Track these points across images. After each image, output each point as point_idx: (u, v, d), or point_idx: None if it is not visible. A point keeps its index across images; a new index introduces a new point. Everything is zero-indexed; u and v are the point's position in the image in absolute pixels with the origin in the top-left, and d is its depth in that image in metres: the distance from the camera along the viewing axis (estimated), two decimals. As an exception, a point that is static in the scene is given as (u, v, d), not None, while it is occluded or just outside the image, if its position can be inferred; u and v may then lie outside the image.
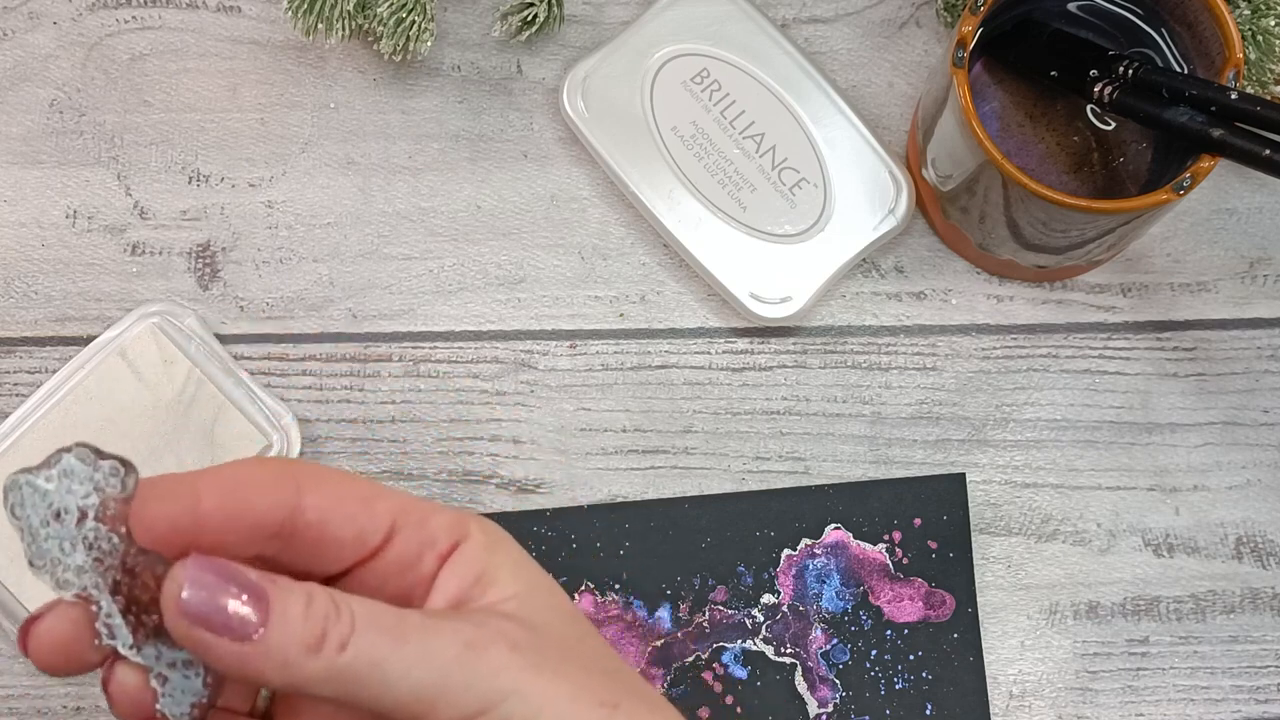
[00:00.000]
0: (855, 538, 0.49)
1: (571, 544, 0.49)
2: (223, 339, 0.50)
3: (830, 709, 0.48)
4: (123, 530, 0.29)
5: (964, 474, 0.49)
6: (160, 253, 0.51)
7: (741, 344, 0.51)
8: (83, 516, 0.29)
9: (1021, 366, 0.51)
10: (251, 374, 0.50)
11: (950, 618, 0.48)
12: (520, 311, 0.51)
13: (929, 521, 0.49)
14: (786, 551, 0.49)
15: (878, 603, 0.48)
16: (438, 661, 0.30)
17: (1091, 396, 0.50)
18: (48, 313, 0.51)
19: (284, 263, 0.51)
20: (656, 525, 0.49)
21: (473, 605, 0.32)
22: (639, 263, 0.51)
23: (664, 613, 0.48)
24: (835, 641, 0.48)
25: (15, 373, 0.50)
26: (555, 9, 0.51)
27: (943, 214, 0.50)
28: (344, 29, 0.49)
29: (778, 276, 0.50)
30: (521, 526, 0.49)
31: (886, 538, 0.49)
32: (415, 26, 0.49)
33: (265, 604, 0.29)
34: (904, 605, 0.48)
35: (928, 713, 0.48)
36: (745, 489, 0.50)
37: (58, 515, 0.29)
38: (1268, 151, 0.41)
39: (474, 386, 0.51)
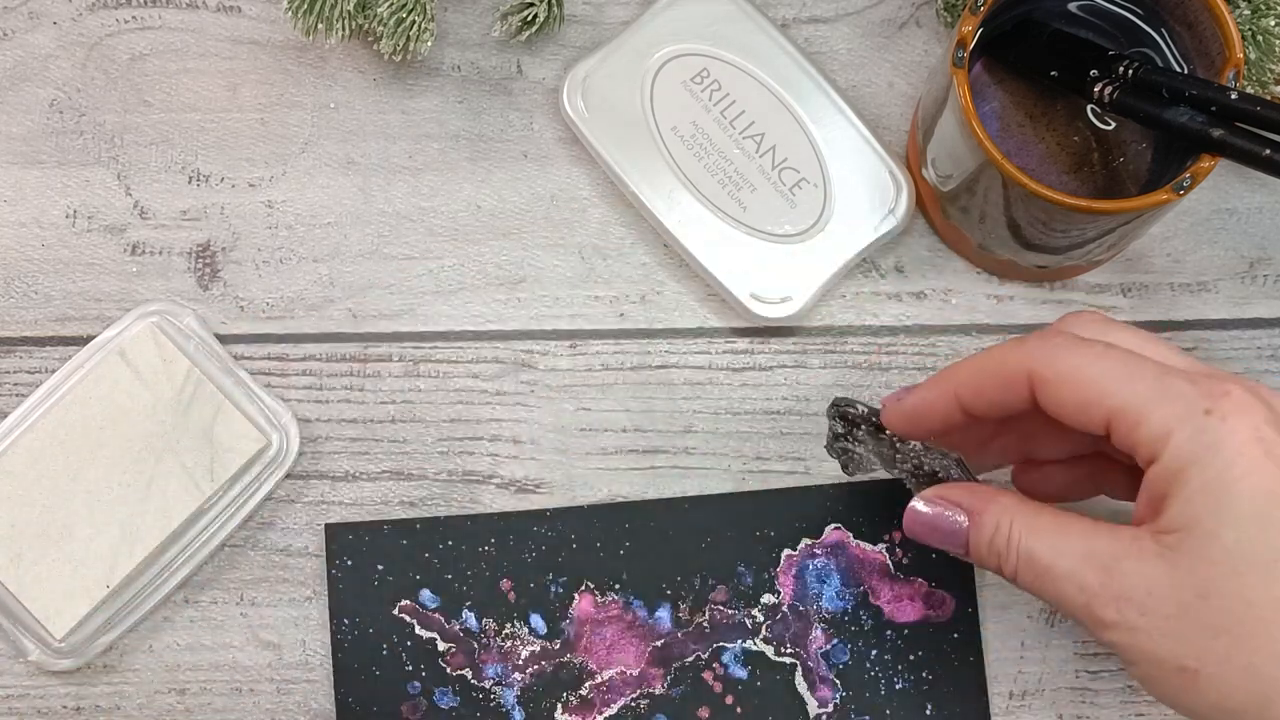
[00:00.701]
0: (855, 538, 0.49)
1: (571, 544, 0.49)
2: (223, 339, 0.50)
3: (830, 709, 0.48)
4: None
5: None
6: (160, 253, 0.51)
7: (741, 344, 0.51)
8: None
9: (1021, 366, 0.51)
10: (251, 374, 0.50)
11: (950, 618, 0.48)
12: (520, 311, 0.51)
13: None
14: (786, 551, 0.49)
15: (878, 603, 0.48)
16: (1069, 607, 0.38)
17: (1091, 396, 0.50)
18: (48, 313, 0.51)
19: (284, 263, 0.51)
20: (657, 525, 0.49)
21: (1142, 525, 0.37)
22: (639, 263, 0.51)
23: (664, 613, 0.48)
24: (835, 641, 0.48)
25: (15, 373, 0.50)
26: (555, 9, 0.51)
27: (943, 214, 0.50)
28: (344, 29, 0.49)
29: (778, 276, 0.50)
30: (521, 526, 0.49)
31: (886, 537, 0.49)
32: (415, 26, 0.49)
33: (965, 531, 0.41)
34: (904, 605, 0.48)
35: (928, 713, 0.48)
36: (745, 489, 0.50)
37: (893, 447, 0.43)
38: (1268, 151, 0.41)
39: (474, 386, 0.51)
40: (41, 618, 0.47)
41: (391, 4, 0.48)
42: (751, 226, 0.50)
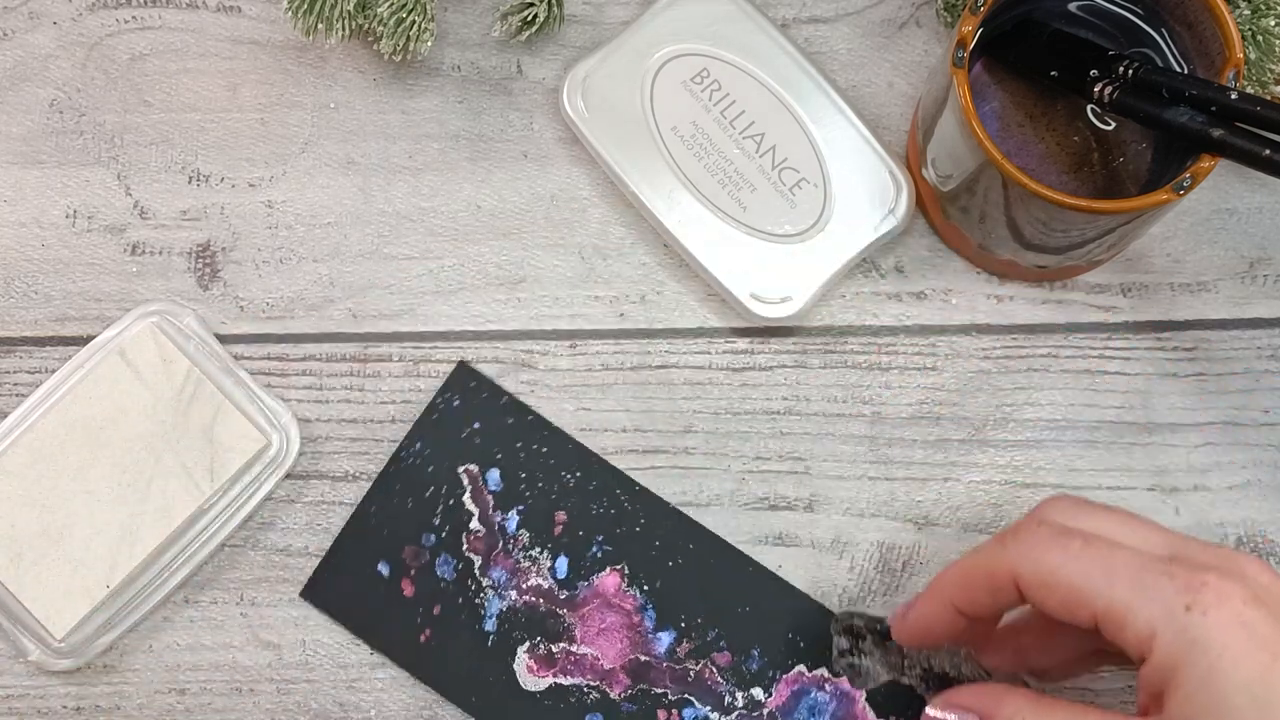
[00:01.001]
0: (866, 699, 0.48)
1: (638, 526, 0.49)
2: (223, 339, 0.50)
3: None
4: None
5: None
6: (160, 253, 0.51)
7: (741, 344, 0.51)
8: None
9: (1021, 366, 0.51)
10: (251, 374, 0.50)
11: None
12: (520, 311, 0.51)
13: None
14: (800, 668, 0.48)
15: None
16: None
17: (1091, 396, 0.50)
18: (48, 312, 0.51)
19: (284, 263, 0.51)
20: (716, 566, 0.48)
21: (1148, 718, 0.38)
22: (639, 263, 0.51)
23: (666, 636, 0.48)
24: None
25: (15, 373, 0.50)
26: (555, 9, 0.51)
27: (943, 214, 0.50)
28: (344, 29, 0.49)
29: (778, 276, 0.50)
30: (609, 482, 0.49)
31: (893, 718, 0.48)
32: (415, 26, 0.49)
33: None
34: None
35: None
36: (745, 489, 0.50)
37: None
38: (1268, 151, 0.41)
39: (474, 386, 0.51)
40: (41, 618, 0.47)
41: (391, 4, 0.48)
42: (751, 226, 0.50)
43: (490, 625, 0.48)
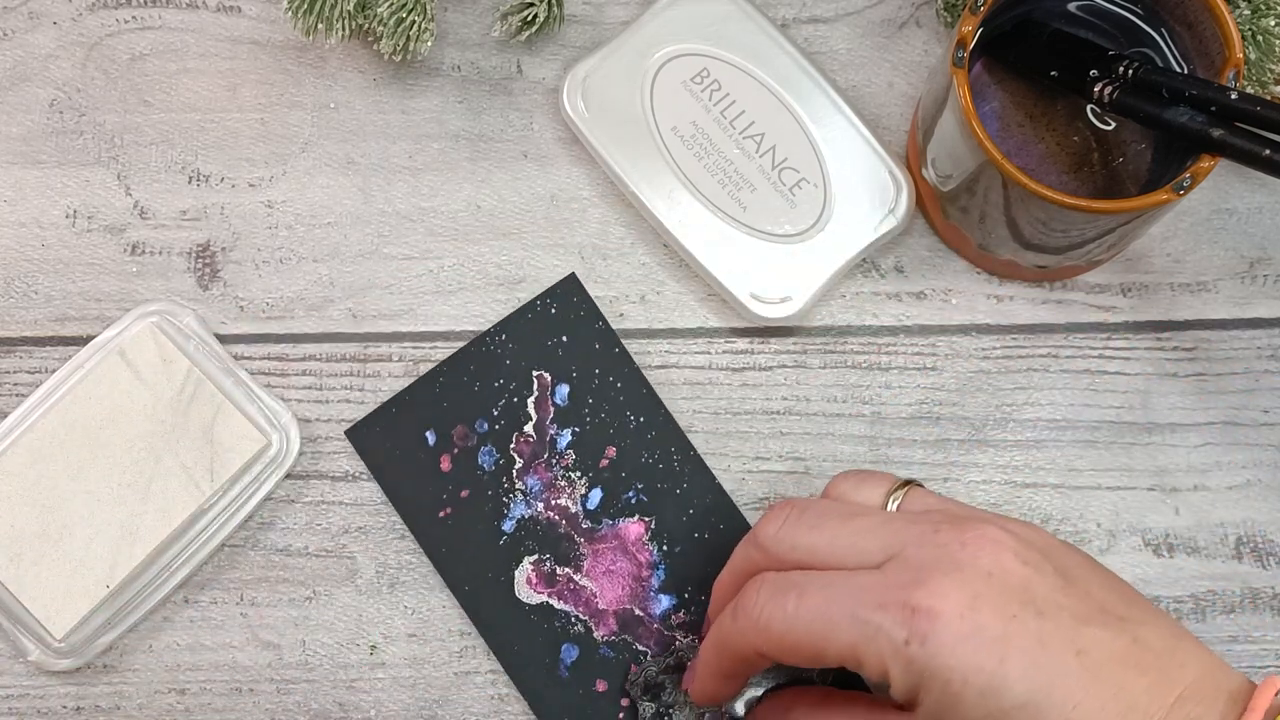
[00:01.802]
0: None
1: (679, 490, 0.49)
2: (223, 339, 0.50)
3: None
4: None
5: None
6: (160, 253, 0.51)
7: (741, 344, 0.51)
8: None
9: (1021, 366, 0.51)
10: (251, 374, 0.50)
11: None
12: (520, 311, 0.51)
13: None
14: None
15: None
16: None
17: (1091, 396, 0.50)
18: (48, 313, 0.51)
19: (284, 263, 0.51)
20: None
21: None
22: (639, 263, 0.51)
23: (666, 599, 0.48)
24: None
25: (15, 373, 0.50)
26: (555, 9, 0.51)
27: (943, 214, 0.50)
28: (344, 29, 0.49)
29: (778, 276, 0.50)
30: (673, 436, 0.49)
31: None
32: (415, 26, 0.49)
33: None
34: None
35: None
36: (745, 489, 0.50)
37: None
38: (1268, 151, 0.41)
39: (474, 386, 0.51)
40: (41, 618, 0.47)
41: (391, 4, 0.48)
42: (751, 226, 0.50)
43: (508, 526, 0.48)
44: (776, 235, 0.50)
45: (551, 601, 0.48)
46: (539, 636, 0.48)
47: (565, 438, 0.49)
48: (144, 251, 0.51)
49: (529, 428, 0.49)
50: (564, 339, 0.50)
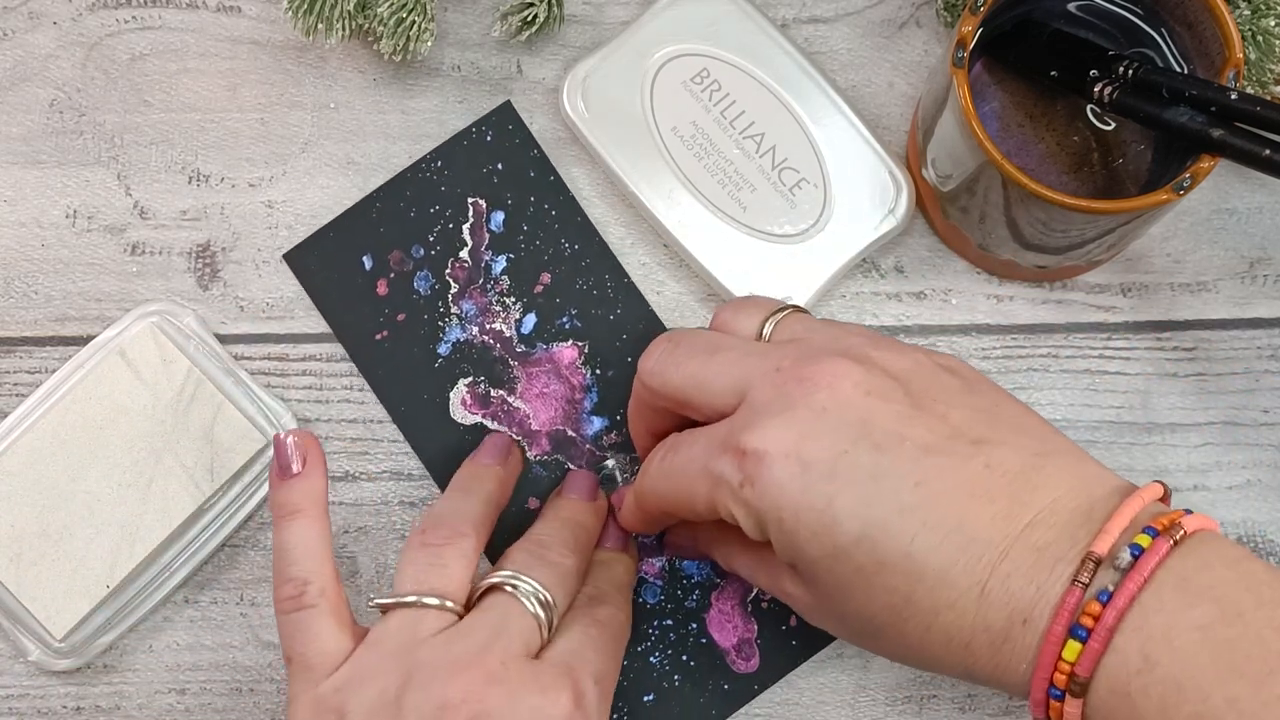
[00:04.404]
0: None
1: (613, 315, 0.50)
2: (223, 339, 0.50)
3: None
4: None
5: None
6: (160, 253, 0.51)
7: (741, 344, 0.51)
8: None
9: (1021, 366, 0.51)
10: (251, 374, 0.50)
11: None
12: (520, 311, 0.51)
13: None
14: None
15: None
16: (752, 572, 0.43)
17: (1091, 396, 0.50)
18: (48, 313, 0.51)
19: (284, 263, 0.51)
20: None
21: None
22: (639, 263, 0.51)
23: (598, 421, 0.49)
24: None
25: (15, 373, 0.50)
26: (555, 9, 0.51)
27: (943, 214, 0.50)
28: (344, 29, 0.49)
29: (778, 277, 0.50)
30: (606, 264, 0.50)
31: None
32: (415, 26, 0.49)
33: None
34: None
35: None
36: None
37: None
38: (1268, 151, 0.41)
39: (474, 386, 0.51)
40: (41, 618, 0.47)
41: (391, 4, 0.48)
42: (751, 226, 0.50)
43: (444, 350, 0.49)
44: (776, 235, 0.50)
45: (485, 422, 0.49)
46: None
47: (500, 264, 0.50)
48: (144, 251, 0.51)
49: (464, 253, 0.50)
50: (499, 166, 0.51)
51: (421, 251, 0.50)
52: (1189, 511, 0.36)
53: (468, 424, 0.49)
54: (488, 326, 0.50)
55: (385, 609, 0.41)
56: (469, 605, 0.41)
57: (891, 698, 0.49)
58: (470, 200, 0.50)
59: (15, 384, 0.50)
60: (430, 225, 0.50)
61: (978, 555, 0.35)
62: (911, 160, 0.51)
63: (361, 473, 0.50)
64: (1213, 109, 0.42)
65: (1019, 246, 0.48)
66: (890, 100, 0.52)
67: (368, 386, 0.50)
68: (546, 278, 0.50)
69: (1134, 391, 0.51)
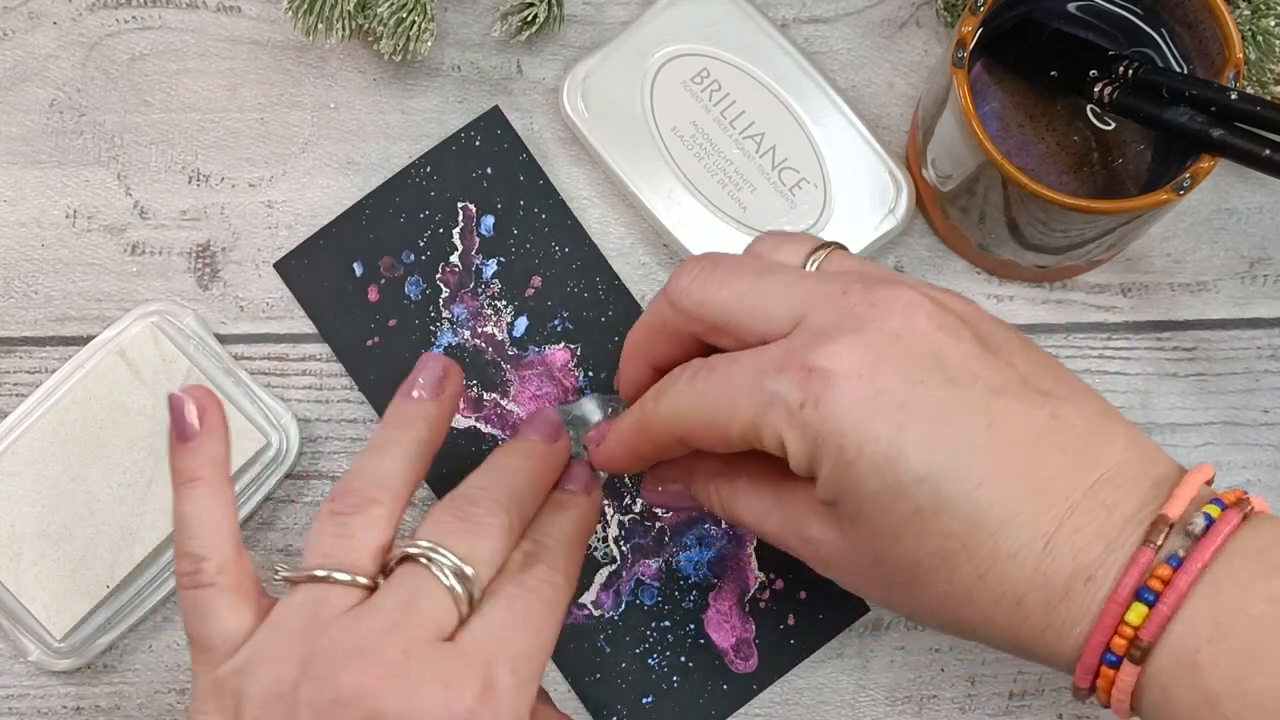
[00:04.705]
0: (755, 554, 0.49)
1: (604, 317, 0.50)
2: (223, 339, 0.50)
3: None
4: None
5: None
6: (160, 253, 0.51)
7: (741, 344, 0.51)
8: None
9: (1021, 366, 0.51)
10: (251, 374, 0.50)
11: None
12: (520, 311, 0.51)
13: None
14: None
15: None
16: (779, 529, 0.39)
17: (1091, 396, 0.50)
18: (48, 313, 0.51)
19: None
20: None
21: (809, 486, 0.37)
22: (639, 263, 0.51)
23: (593, 406, 0.48)
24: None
25: (15, 373, 0.50)
26: (555, 9, 0.51)
27: (943, 214, 0.50)
28: (344, 29, 0.49)
29: (778, 276, 0.50)
30: (597, 266, 0.50)
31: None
32: (415, 26, 0.49)
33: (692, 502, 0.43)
34: None
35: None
36: None
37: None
38: (1268, 151, 0.41)
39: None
40: (41, 618, 0.47)
41: (391, 4, 0.48)
42: (751, 226, 0.50)
43: (439, 346, 0.49)
44: (776, 235, 0.50)
45: (479, 425, 0.49)
46: (467, 459, 0.49)
47: (491, 267, 0.50)
48: (144, 251, 0.51)
49: (455, 258, 0.50)
50: (488, 170, 0.51)
51: (412, 257, 0.50)
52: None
53: (461, 428, 0.49)
54: (479, 330, 0.50)
55: (291, 583, 0.38)
56: (387, 573, 0.38)
57: (891, 698, 0.49)
58: (460, 205, 0.50)
59: (15, 384, 0.50)
60: (420, 230, 0.50)
61: (1045, 506, 0.34)
62: (911, 160, 0.51)
63: (361, 473, 0.50)
64: (1213, 109, 0.42)
65: (1019, 246, 0.48)
66: (890, 100, 0.52)
67: (368, 386, 0.50)
68: (537, 281, 0.50)
69: (1134, 391, 0.51)
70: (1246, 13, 0.47)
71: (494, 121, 0.51)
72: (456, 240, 0.50)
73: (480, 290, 0.50)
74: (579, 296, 0.50)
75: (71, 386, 0.48)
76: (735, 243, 0.50)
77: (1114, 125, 0.48)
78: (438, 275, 0.50)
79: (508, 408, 0.49)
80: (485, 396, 0.49)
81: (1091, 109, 0.48)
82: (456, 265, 0.50)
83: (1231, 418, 0.50)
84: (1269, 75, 0.47)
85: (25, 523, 0.47)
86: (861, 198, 0.50)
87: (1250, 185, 0.52)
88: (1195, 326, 0.51)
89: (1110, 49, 0.47)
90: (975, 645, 0.49)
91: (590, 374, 0.50)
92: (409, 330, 0.50)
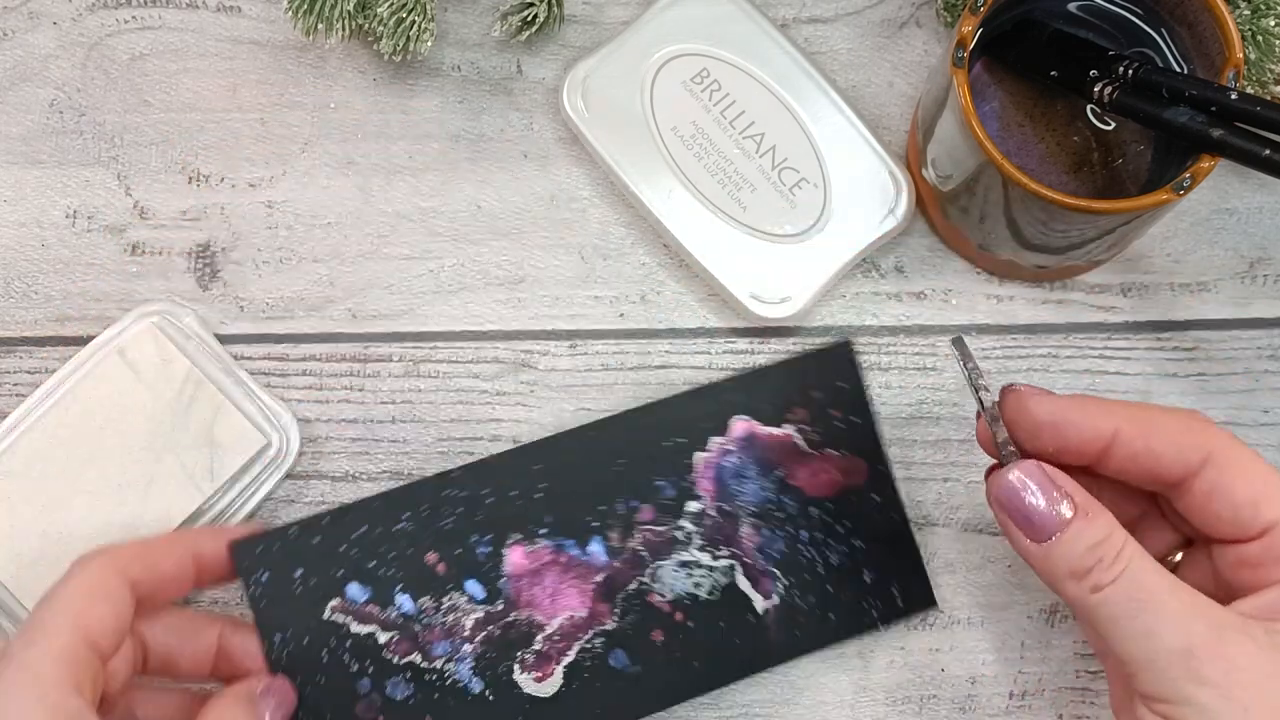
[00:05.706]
0: (763, 424, 0.48)
1: (486, 499, 0.47)
2: (223, 339, 0.50)
3: (776, 600, 0.47)
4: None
5: (849, 340, 0.48)
6: (160, 253, 0.51)
7: (741, 344, 0.51)
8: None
9: (1021, 367, 0.51)
10: (251, 374, 0.50)
11: (865, 481, 0.47)
12: (520, 311, 0.51)
13: (827, 392, 0.48)
14: (699, 455, 0.47)
15: (796, 483, 0.47)
16: (1160, 647, 0.35)
17: (1091, 396, 0.50)
18: (48, 313, 0.51)
19: (284, 263, 0.51)
20: (566, 460, 0.47)
21: (1239, 601, 0.37)
22: (639, 263, 0.51)
23: (596, 546, 0.47)
24: (766, 532, 0.47)
25: (15, 373, 0.50)
26: (555, 9, 0.51)
27: (943, 214, 0.50)
28: (344, 29, 0.49)
29: (778, 276, 0.50)
30: (431, 493, 0.46)
31: (790, 416, 0.48)
32: (415, 26, 0.49)
33: (1064, 522, 0.37)
34: (821, 480, 0.47)
35: (867, 580, 0.47)
36: None
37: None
38: (1268, 151, 0.41)
39: (474, 386, 0.51)
40: (41, 618, 0.47)
41: (391, 4, 0.48)
42: (751, 226, 0.50)
43: (476, 686, 0.46)
44: (776, 235, 0.50)
45: (565, 661, 0.47)
46: (588, 693, 0.47)
47: (403, 602, 0.46)
48: (144, 251, 0.51)
49: (383, 637, 0.46)
50: (297, 574, 0.45)
51: (368, 683, 0.46)
52: None
53: (558, 685, 0.46)
54: (467, 634, 0.46)
55: None
56: None
57: (891, 698, 0.49)
58: (325, 617, 0.46)
59: (15, 384, 0.50)
60: (342, 666, 0.45)
61: None
62: (911, 160, 0.51)
63: (361, 473, 0.50)
64: (1213, 109, 0.42)
65: (1019, 246, 0.48)
66: (890, 100, 0.52)
67: (367, 387, 0.50)
68: (432, 556, 0.46)
69: (1134, 392, 0.51)
70: (1246, 13, 0.47)
71: (244, 554, 0.45)
72: (363, 630, 0.46)
73: (430, 620, 0.46)
74: (459, 520, 0.46)
75: (71, 387, 0.48)
76: (735, 243, 0.50)
77: (1114, 125, 0.48)
78: (395, 662, 0.46)
79: (554, 628, 0.46)
80: (538, 647, 0.46)
81: (1091, 109, 0.48)
82: (394, 635, 0.46)
83: (1231, 418, 0.50)
84: (1269, 75, 0.48)
85: (25, 523, 0.47)
86: (861, 198, 0.50)
87: (1250, 185, 0.52)
88: (1195, 326, 0.51)
89: (1110, 49, 0.47)
90: (975, 645, 0.49)
91: (543, 531, 0.47)
92: (442, 709, 0.46)
